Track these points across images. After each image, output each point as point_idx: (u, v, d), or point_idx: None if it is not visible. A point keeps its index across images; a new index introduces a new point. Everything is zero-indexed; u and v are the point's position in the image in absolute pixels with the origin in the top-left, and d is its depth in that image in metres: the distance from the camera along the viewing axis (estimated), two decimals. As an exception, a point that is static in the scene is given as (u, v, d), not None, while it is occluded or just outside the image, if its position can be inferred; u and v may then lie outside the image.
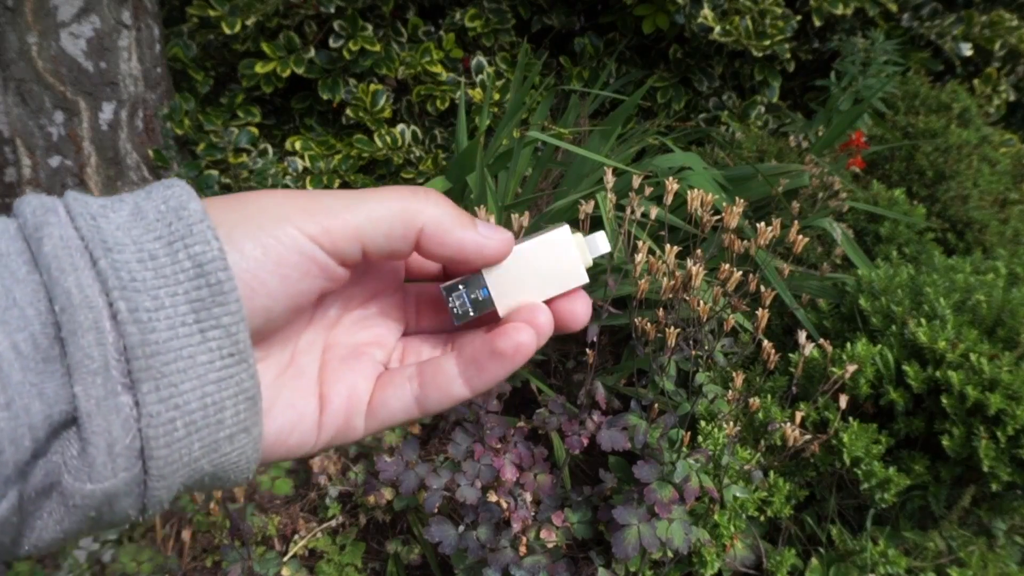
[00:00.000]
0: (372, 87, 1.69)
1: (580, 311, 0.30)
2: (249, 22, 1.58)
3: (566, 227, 0.29)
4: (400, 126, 1.72)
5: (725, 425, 0.83)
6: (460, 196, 1.31)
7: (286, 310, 0.26)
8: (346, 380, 0.30)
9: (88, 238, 0.22)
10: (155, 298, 0.22)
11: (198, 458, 0.24)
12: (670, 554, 0.84)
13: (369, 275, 0.32)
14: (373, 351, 0.31)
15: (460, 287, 0.29)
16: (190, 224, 0.23)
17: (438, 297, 0.33)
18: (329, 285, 0.27)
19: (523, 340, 0.28)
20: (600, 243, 0.30)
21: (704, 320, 0.77)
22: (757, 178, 1.30)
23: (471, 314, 0.30)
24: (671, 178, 0.80)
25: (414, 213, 0.27)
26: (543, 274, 0.29)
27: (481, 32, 1.75)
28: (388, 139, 1.69)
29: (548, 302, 0.30)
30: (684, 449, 0.85)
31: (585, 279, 0.29)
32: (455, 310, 0.30)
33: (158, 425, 0.22)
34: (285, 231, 0.25)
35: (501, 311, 0.30)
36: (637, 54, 1.89)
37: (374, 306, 0.32)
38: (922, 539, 0.96)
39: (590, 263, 0.30)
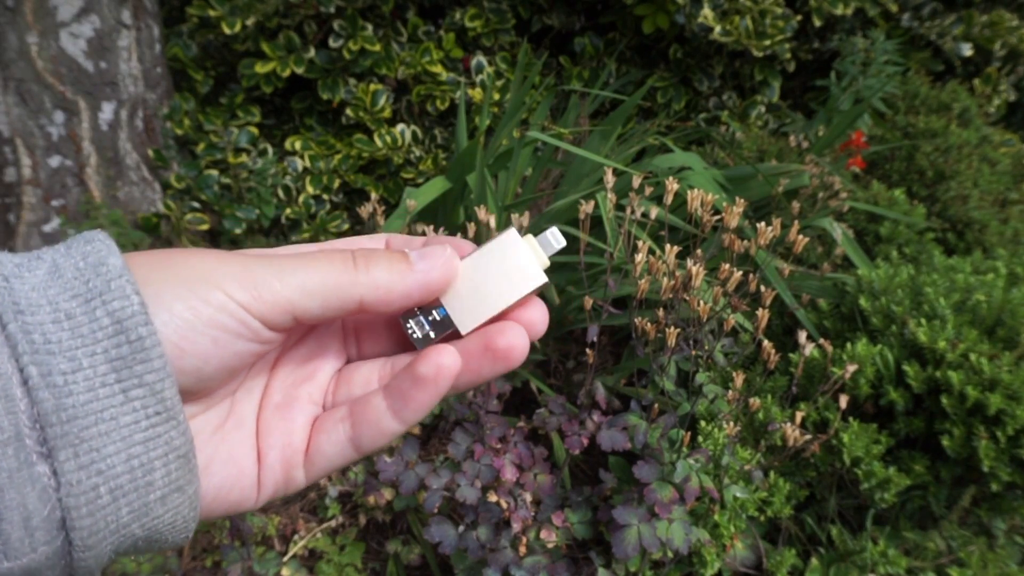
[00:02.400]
0: (372, 87, 1.69)
1: (537, 319, 0.29)
2: (249, 22, 1.58)
3: (512, 229, 0.28)
4: (400, 126, 1.72)
5: (725, 425, 0.83)
6: (460, 196, 1.31)
7: (218, 371, 0.25)
8: (279, 431, 0.29)
9: None
10: (72, 359, 0.21)
11: (127, 523, 0.23)
12: (670, 554, 0.84)
13: None
14: (309, 391, 0.30)
15: (416, 311, 0.28)
16: (108, 280, 0.22)
17: (377, 322, 0.31)
18: (264, 348, 0.26)
19: (444, 362, 0.27)
20: (552, 239, 0.28)
21: (704, 320, 0.77)
22: (757, 178, 1.30)
23: (432, 336, 0.29)
24: (671, 178, 0.80)
25: (349, 287, 0.26)
26: (499, 282, 0.28)
27: (481, 32, 1.75)
28: (388, 139, 1.69)
29: (507, 310, 0.28)
30: (684, 449, 0.85)
31: (542, 279, 0.28)
32: (415, 335, 0.29)
33: (79, 494, 0.21)
34: (215, 296, 0.24)
35: (462, 329, 0.28)
36: (637, 54, 1.89)
37: (313, 340, 0.31)
38: (922, 539, 0.96)
39: (546, 262, 0.28)
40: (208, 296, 0.24)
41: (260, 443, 0.29)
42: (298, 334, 0.31)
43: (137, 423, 0.22)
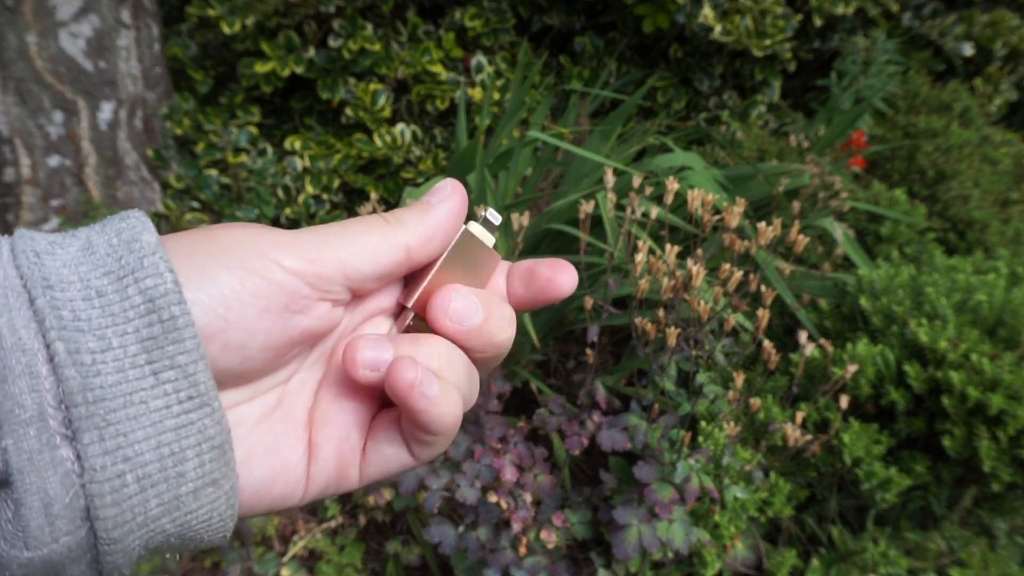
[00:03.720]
0: (372, 86, 1.68)
1: (563, 280, 0.29)
2: (249, 21, 1.58)
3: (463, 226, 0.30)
4: (400, 126, 1.71)
5: (726, 425, 0.83)
6: (460, 196, 1.31)
7: (264, 348, 0.24)
8: (337, 423, 0.27)
9: (28, 276, 0.20)
10: (101, 338, 0.20)
11: (157, 517, 0.21)
12: (670, 555, 0.84)
13: (364, 298, 0.29)
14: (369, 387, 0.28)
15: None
16: (141, 256, 0.21)
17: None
18: (313, 324, 0.25)
19: (403, 377, 0.25)
20: (490, 217, 0.30)
21: (704, 320, 0.77)
22: (758, 178, 1.29)
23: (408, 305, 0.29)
24: (671, 178, 0.80)
25: (393, 236, 0.26)
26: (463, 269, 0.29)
27: (481, 32, 1.75)
28: (388, 139, 1.69)
29: (436, 276, 0.29)
30: (684, 449, 0.85)
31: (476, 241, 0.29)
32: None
33: (103, 480, 0.20)
34: (264, 263, 0.23)
35: (407, 303, 0.29)
36: (637, 53, 1.88)
37: (369, 330, 0.29)
38: (923, 539, 0.96)
39: (491, 238, 0.30)
40: (255, 265, 0.23)
41: (316, 435, 0.27)
42: (352, 323, 0.29)
43: (168, 408, 0.21)
